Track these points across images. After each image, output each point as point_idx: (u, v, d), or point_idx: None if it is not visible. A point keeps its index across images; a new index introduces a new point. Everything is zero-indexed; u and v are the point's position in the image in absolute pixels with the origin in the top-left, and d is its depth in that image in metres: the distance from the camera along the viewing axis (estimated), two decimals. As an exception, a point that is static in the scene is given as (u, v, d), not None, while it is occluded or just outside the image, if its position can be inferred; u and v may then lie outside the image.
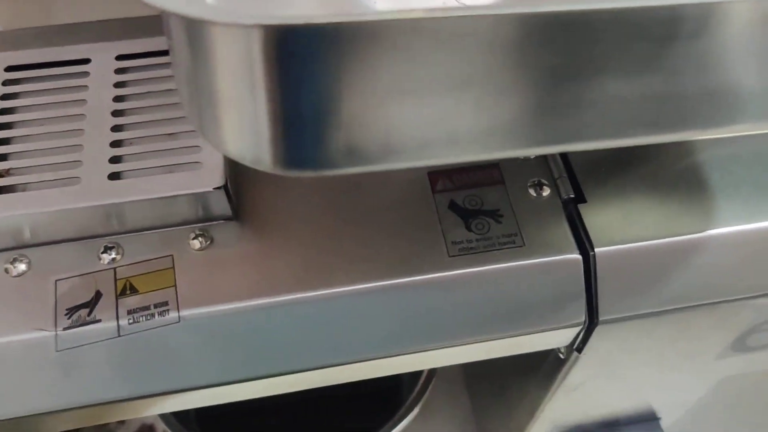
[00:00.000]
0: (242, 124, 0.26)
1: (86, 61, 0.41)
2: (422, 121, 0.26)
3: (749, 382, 0.56)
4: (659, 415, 0.58)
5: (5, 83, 0.40)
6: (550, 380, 0.47)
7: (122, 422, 0.73)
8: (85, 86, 0.40)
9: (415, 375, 0.63)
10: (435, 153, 0.27)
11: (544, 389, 0.48)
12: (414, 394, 0.61)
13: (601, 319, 0.39)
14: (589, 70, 0.25)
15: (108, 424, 0.73)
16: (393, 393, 0.67)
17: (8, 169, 0.37)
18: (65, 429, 0.38)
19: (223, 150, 0.28)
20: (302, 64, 0.23)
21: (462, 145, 0.27)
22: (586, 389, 0.48)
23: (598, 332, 0.40)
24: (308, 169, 0.27)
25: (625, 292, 0.39)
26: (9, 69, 0.40)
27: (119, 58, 0.41)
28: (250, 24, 0.22)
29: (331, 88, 0.24)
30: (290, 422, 0.72)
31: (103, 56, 0.41)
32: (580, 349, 0.41)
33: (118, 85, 0.40)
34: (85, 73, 0.40)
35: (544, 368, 0.47)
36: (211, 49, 0.24)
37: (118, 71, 0.40)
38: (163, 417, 0.57)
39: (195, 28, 0.23)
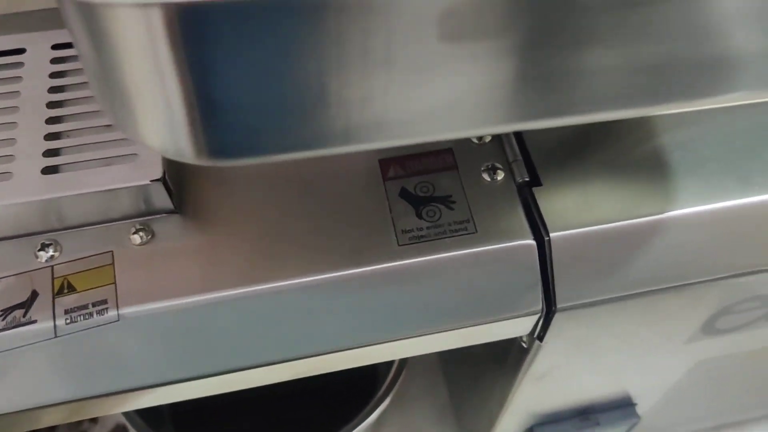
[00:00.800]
0: (156, 114, 0.24)
1: (21, 51, 0.39)
2: (351, 102, 0.24)
3: (723, 365, 0.54)
4: (635, 401, 0.57)
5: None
6: (515, 369, 0.45)
7: (95, 422, 0.72)
8: (19, 77, 0.38)
9: (388, 365, 0.62)
10: (370, 135, 0.25)
11: (511, 378, 0.47)
12: (386, 384, 0.60)
13: (559, 306, 0.37)
14: (554, 38, 0.23)
15: (81, 424, 0.72)
16: (369, 383, 0.66)
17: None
18: (8, 433, 0.37)
19: (143, 143, 0.26)
20: (209, 45, 0.21)
21: (398, 127, 0.25)
22: (555, 377, 0.47)
23: (558, 320, 0.38)
24: (232, 157, 0.26)
25: (584, 278, 0.37)
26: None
27: (55, 47, 0.39)
28: (149, 2, 0.20)
29: (244, 68, 0.22)
30: (263, 415, 0.71)
31: (38, 46, 0.39)
32: (541, 338, 0.40)
33: (54, 75, 0.38)
34: (19, 64, 0.39)
35: (509, 357, 0.46)
36: (110, 36, 0.22)
37: (54, 61, 0.39)
38: (128, 415, 0.56)
39: (90, 13, 0.22)
